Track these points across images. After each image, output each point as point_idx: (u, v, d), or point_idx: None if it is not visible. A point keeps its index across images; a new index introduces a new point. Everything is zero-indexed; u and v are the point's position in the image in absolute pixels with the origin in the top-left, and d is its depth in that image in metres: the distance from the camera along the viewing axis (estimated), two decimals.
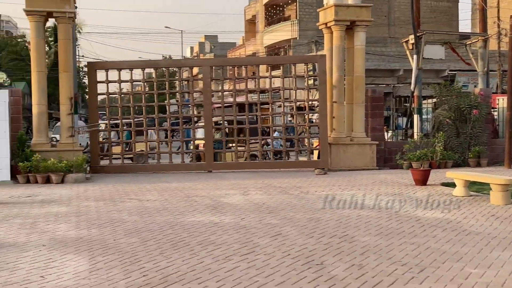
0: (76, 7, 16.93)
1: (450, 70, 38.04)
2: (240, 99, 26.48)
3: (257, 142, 18.56)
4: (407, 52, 20.11)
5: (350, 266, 6.20)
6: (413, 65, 19.68)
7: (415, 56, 19.51)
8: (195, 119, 18.91)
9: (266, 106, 32.68)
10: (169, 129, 18.82)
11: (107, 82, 17.84)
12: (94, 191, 13.30)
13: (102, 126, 19.87)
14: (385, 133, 22.59)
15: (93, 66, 18.24)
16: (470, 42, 21.45)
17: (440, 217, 9.17)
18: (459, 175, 11.69)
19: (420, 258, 6.50)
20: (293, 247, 7.15)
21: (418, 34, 19.33)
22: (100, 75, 18.09)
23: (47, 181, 14.84)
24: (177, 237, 7.87)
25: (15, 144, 15.28)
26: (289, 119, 24.60)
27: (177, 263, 6.42)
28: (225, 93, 21.94)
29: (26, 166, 14.80)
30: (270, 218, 9.26)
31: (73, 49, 17.50)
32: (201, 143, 19.18)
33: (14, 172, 15.05)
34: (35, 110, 16.19)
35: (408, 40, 19.75)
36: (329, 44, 18.41)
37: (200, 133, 19.70)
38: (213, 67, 18.73)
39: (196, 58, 71.22)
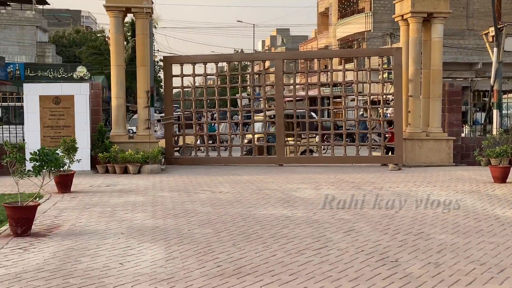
0: (152, 2, 17.32)
1: None
2: (312, 92, 26.39)
3: (314, 137, 18.51)
4: (487, 45, 19.41)
5: (426, 264, 6.07)
6: (493, 58, 18.95)
7: (495, 49, 18.78)
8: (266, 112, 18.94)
9: (338, 100, 32.44)
10: (241, 122, 18.93)
11: (182, 76, 18.22)
12: (169, 182, 13.62)
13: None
14: (465, 128, 21.91)
15: (168, 60, 18.65)
16: None
17: None
18: None
19: (499, 258, 6.29)
20: (367, 243, 7.07)
21: (499, 26, 18.59)
22: (175, 69, 18.43)
23: (125, 171, 15.33)
24: (250, 229, 7.94)
25: (95, 135, 15.84)
26: (361, 113, 24.25)
27: (250, 255, 6.48)
28: (297, 86, 21.89)
29: (105, 157, 15.34)
30: (342, 213, 9.19)
31: (149, 43, 17.89)
32: (256, 136, 19.29)
33: (94, 162, 15.62)
34: (113, 102, 16.74)
35: (488, 32, 19.04)
36: (405, 37, 18.00)
37: (257, 127, 19.82)
38: (285, 60, 18.70)
39: (267, 51, 71.51)
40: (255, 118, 18.78)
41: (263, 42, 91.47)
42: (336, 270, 5.86)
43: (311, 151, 18.97)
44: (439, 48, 17.56)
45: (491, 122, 19.35)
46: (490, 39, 19.03)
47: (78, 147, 12.16)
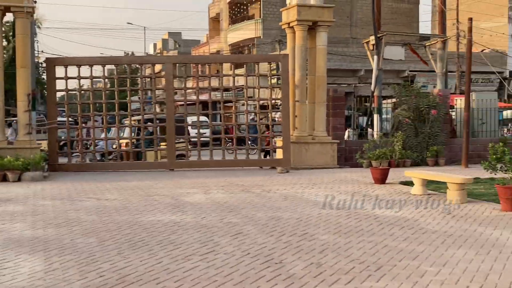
0: (35, 2, 16.55)
1: (410, 71, 38.68)
2: (204, 97, 26.38)
3: (183, 142, 18.62)
4: (368, 53, 20.31)
5: (309, 265, 6.22)
6: (374, 65, 19.89)
7: (375, 57, 19.72)
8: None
9: (229, 104, 32.72)
10: (105, 127, 18.46)
11: (66, 78, 17.52)
12: (52, 189, 13.04)
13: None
14: (347, 132, 22.81)
15: (51, 62, 17.87)
16: (429, 43, 21.82)
17: (398, 215, 9.29)
18: (417, 174, 11.87)
19: (377, 256, 6.58)
20: (253, 246, 7.15)
21: (378, 35, 19.54)
22: (59, 71, 17.72)
23: (4, 179, 14.46)
24: (136, 237, 7.77)
25: None
26: (251, 117, 24.57)
27: (135, 263, 6.34)
28: (190, 91, 21.81)
29: None
30: (231, 217, 9.23)
31: (31, 44, 17.07)
32: (124, 142, 19.08)
33: None
34: None
35: (369, 41, 19.95)
36: (291, 44, 18.47)
37: (126, 132, 19.59)
38: (177, 64, 18.58)
39: (159, 55, 70.59)
40: (125, 123, 18.44)
41: (155, 45, 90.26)
42: (222, 274, 5.86)
43: (183, 156, 19.01)
44: (323, 55, 18.19)
45: (372, 126, 20.27)
46: (371, 48, 19.94)
47: None
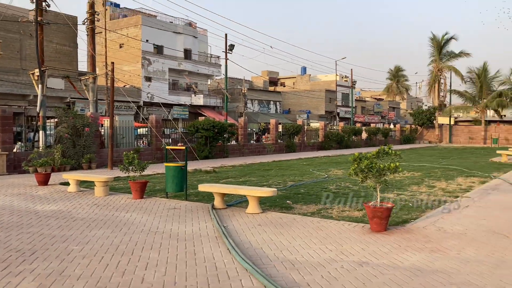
0: None
1: (71, 98, 36.93)
2: None
3: None
4: (34, 82, 18.49)
5: None
6: (39, 92, 18.22)
7: (40, 86, 18.09)
8: None
9: None
10: None
11: None
12: None
13: None
14: (16, 145, 20.29)
15: None
16: (84, 78, 21.15)
17: (55, 209, 8.68)
18: (72, 176, 11.33)
19: (33, 244, 6.00)
20: None
21: (42, 69, 17.99)
22: None
23: None
24: None
25: None
26: None
27: None
28: None
29: None
30: None
31: None
32: None
33: None
34: None
35: (34, 72, 18.19)
36: None
37: None
38: None
39: None
40: None
41: None
42: None
43: None
44: None
45: (39, 140, 18.52)
46: (36, 78, 18.20)
47: None
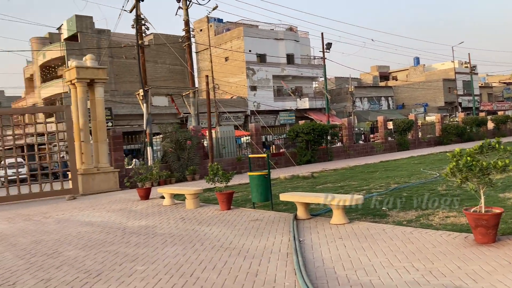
0: None
1: (184, 113, 39.04)
2: (20, 142, 23.08)
3: None
4: (140, 102, 19.76)
5: (39, 281, 5.35)
6: (144, 110, 19.39)
7: (144, 104, 19.25)
8: None
9: (43, 146, 29.31)
10: None
11: None
12: None
13: None
14: (133, 161, 21.81)
15: None
16: (185, 93, 22.07)
17: (142, 225, 8.81)
18: (165, 190, 11.57)
19: (103, 264, 5.96)
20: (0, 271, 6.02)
21: (145, 88, 19.12)
22: None
23: None
24: None
25: None
26: (62, 155, 22.13)
27: None
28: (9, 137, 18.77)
29: None
30: None
31: None
32: None
33: None
34: None
35: (139, 93, 19.43)
36: (75, 96, 17.10)
37: None
38: None
39: None
40: None
41: None
42: None
43: None
44: (101, 105, 17.16)
45: (147, 156, 19.68)
46: (141, 98, 19.42)
47: None
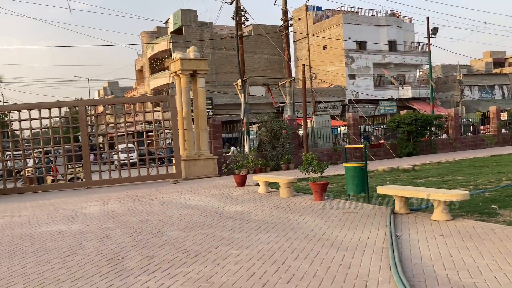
0: None
1: (280, 103, 39.39)
2: (131, 129, 25.16)
3: (81, 166, 17.23)
4: (238, 91, 20.31)
5: (143, 258, 5.79)
6: (242, 100, 19.90)
7: (242, 94, 19.75)
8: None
9: (151, 133, 31.62)
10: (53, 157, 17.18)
11: (9, 121, 16.20)
12: None
13: None
14: (231, 149, 22.57)
15: None
16: (281, 83, 22.20)
17: (238, 211, 9.09)
18: (260, 178, 11.81)
19: (201, 246, 6.26)
20: (110, 246, 6.63)
21: (244, 79, 19.60)
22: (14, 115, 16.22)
23: None
24: (19, 246, 7.01)
25: None
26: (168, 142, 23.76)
27: (2, 270, 5.64)
28: (121, 124, 20.75)
29: None
30: (109, 223, 8.63)
31: None
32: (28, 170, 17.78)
33: None
34: None
35: (237, 83, 19.96)
36: (179, 87, 18.11)
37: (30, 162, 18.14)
38: (89, 106, 17.62)
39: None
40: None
41: (99, 92, 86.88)
42: (67, 273, 5.30)
43: (78, 178, 17.44)
44: (203, 95, 17.95)
45: (244, 144, 20.24)
46: (239, 88, 19.96)
47: None
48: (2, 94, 34.67)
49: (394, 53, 46.06)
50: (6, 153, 17.27)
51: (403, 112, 23.32)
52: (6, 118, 17.46)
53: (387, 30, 45.71)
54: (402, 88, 45.70)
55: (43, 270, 5.51)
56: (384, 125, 24.11)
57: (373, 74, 45.71)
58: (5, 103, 44.72)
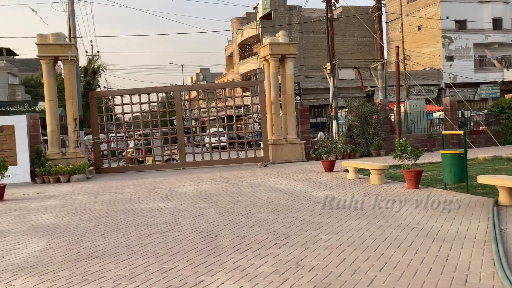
0: (77, 52, 16.54)
1: (371, 87, 38.07)
2: (222, 113, 26.05)
3: (176, 148, 17.77)
4: (327, 75, 19.96)
5: (235, 237, 5.99)
6: (331, 84, 19.54)
7: (331, 78, 19.38)
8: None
9: (240, 118, 32.49)
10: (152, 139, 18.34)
11: (104, 106, 17.62)
12: (88, 187, 12.97)
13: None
14: (319, 134, 22.37)
15: (92, 95, 17.85)
16: (372, 66, 21.38)
17: (327, 195, 9.00)
18: (350, 164, 11.57)
19: (290, 229, 6.32)
20: (204, 224, 6.95)
21: (333, 62, 19.19)
22: (100, 101, 17.66)
23: (58, 181, 14.52)
24: (123, 221, 7.62)
25: (33, 154, 14.92)
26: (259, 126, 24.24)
27: (109, 241, 6.17)
28: (213, 109, 21.32)
29: (42, 171, 14.49)
30: (202, 202, 9.04)
31: (77, 82, 17.00)
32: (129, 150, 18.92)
33: (34, 175, 14.70)
34: (48, 128, 15.75)
35: (326, 66, 19.61)
36: (268, 72, 18.26)
37: (131, 144, 19.25)
38: (183, 91, 18.47)
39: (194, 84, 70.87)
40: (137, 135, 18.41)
41: (191, 78, 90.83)
42: (165, 247, 5.67)
43: (174, 159, 18.00)
44: (291, 79, 17.92)
45: (333, 129, 19.92)
46: (328, 71, 19.59)
47: (8, 165, 11.33)
48: (106, 81, 37.80)
49: (499, 31, 42.10)
50: (110, 135, 18.68)
51: (508, 96, 21.33)
52: (110, 103, 18.89)
53: (492, 7, 41.81)
54: (508, 70, 41.73)
55: (145, 243, 5.94)
56: (486, 110, 22.28)
57: (474, 56, 42.26)
58: (108, 89, 48.61)
